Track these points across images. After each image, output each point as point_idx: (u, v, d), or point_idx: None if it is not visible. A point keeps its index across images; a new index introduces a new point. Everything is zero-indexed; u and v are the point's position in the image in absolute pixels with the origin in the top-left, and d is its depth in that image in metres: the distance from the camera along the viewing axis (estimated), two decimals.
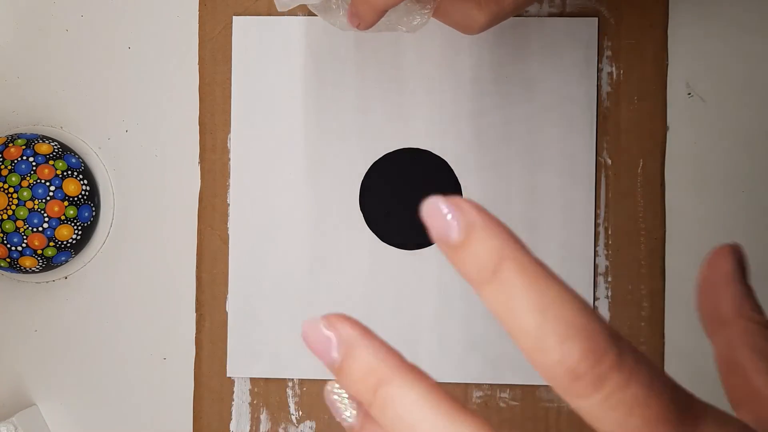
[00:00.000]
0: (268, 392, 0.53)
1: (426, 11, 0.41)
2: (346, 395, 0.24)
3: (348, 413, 0.25)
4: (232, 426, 0.53)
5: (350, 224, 0.52)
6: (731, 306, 0.26)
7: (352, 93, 0.52)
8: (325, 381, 0.52)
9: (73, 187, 0.51)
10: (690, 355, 0.52)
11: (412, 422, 0.22)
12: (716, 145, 0.52)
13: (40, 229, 0.50)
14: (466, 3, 0.41)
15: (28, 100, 0.54)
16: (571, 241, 0.52)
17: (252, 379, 0.53)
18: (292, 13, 0.52)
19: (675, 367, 0.52)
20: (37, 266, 0.51)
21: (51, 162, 0.50)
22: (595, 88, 0.52)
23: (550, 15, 0.52)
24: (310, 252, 0.52)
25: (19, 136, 0.52)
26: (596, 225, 0.52)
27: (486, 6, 0.41)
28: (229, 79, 0.53)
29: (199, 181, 0.53)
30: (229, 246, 0.53)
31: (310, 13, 0.52)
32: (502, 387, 0.52)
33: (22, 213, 0.49)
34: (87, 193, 0.51)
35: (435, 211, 0.21)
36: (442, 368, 0.52)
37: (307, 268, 0.52)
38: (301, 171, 0.53)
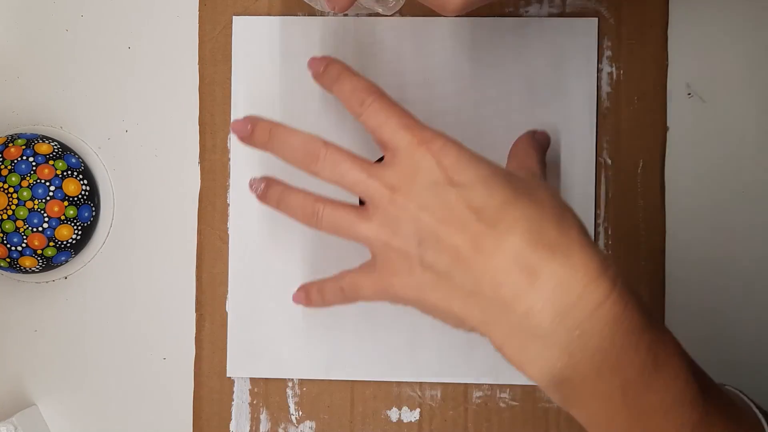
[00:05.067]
0: (268, 392, 0.53)
1: None
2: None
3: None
4: (232, 426, 0.53)
5: None
6: (524, 139, 0.48)
7: None
8: (325, 381, 0.52)
9: (73, 187, 0.51)
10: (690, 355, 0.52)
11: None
12: (716, 145, 0.52)
13: (40, 229, 0.50)
14: None
15: (28, 100, 0.54)
16: None
17: (252, 379, 0.53)
18: (292, 12, 0.53)
19: None
20: (37, 266, 0.51)
21: (51, 162, 0.50)
22: (595, 88, 0.52)
23: (550, 15, 0.52)
24: (310, 252, 0.52)
25: (19, 136, 0.52)
26: (596, 225, 0.52)
27: None
28: (229, 79, 0.53)
29: (199, 181, 0.53)
30: (229, 246, 0.53)
31: (311, 13, 0.52)
32: (502, 387, 0.52)
33: (22, 213, 0.49)
34: (87, 193, 0.51)
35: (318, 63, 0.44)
36: (442, 368, 0.52)
37: (307, 268, 0.52)
38: (301, 171, 0.52)
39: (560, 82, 0.52)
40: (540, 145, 0.46)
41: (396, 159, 0.40)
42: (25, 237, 0.49)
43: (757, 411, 0.41)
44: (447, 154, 0.39)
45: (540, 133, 0.48)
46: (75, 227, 0.51)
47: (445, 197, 0.38)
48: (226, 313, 0.53)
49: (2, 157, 0.50)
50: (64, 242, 0.51)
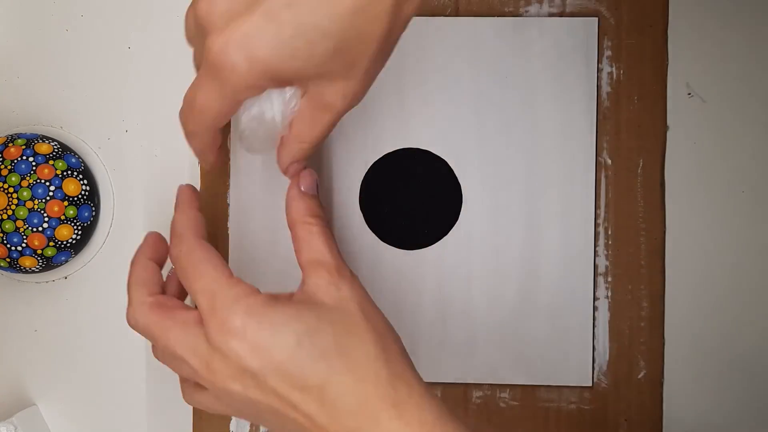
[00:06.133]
0: None
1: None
2: None
3: None
4: (232, 426, 0.53)
5: (350, 224, 0.52)
6: (294, 214, 0.43)
7: None
8: None
9: (73, 187, 0.51)
10: (690, 355, 0.52)
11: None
12: (716, 145, 0.52)
13: (40, 229, 0.50)
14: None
15: (28, 100, 0.54)
16: (571, 241, 0.52)
17: None
18: None
19: (675, 368, 0.52)
20: (37, 266, 0.51)
21: (51, 162, 0.50)
22: (595, 88, 0.52)
23: (550, 15, 0.52)
24: None
25: (19, 136, 0.52)
26: (596, 225, 0.52)
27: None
28: None
29: (199, 181, 0.53)
30: (229, 246, 0.53)
31: None
32: (502, 387, 0.52)
33: (22, 213, 0.49)
34: (87, 193, 0.51)
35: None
36: (442, 368, 0.52)
37: None
38: None
39: (560, 82, 0.52)
40: (314, 200, 0.43)
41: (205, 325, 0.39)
42: (25, 237, 0.49)
43: None
44: (243, 337, 0.37)
45: (305, 181, 0.43)
46: (75, 227, 0.51)
47: (255, 390, 0.37)
48: None
49: (2, 157, 0.50)
50: (64, 242, 0.51)
